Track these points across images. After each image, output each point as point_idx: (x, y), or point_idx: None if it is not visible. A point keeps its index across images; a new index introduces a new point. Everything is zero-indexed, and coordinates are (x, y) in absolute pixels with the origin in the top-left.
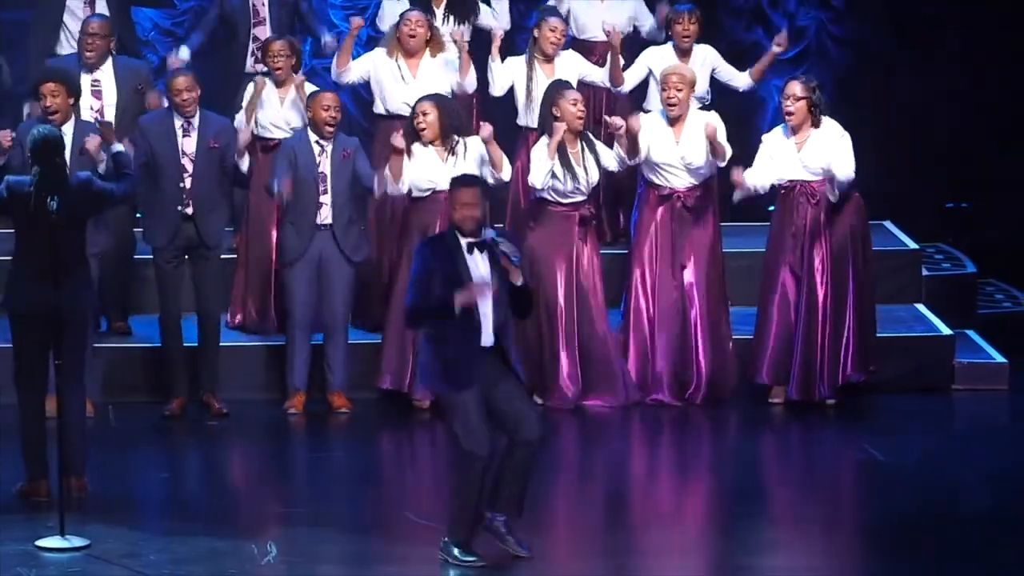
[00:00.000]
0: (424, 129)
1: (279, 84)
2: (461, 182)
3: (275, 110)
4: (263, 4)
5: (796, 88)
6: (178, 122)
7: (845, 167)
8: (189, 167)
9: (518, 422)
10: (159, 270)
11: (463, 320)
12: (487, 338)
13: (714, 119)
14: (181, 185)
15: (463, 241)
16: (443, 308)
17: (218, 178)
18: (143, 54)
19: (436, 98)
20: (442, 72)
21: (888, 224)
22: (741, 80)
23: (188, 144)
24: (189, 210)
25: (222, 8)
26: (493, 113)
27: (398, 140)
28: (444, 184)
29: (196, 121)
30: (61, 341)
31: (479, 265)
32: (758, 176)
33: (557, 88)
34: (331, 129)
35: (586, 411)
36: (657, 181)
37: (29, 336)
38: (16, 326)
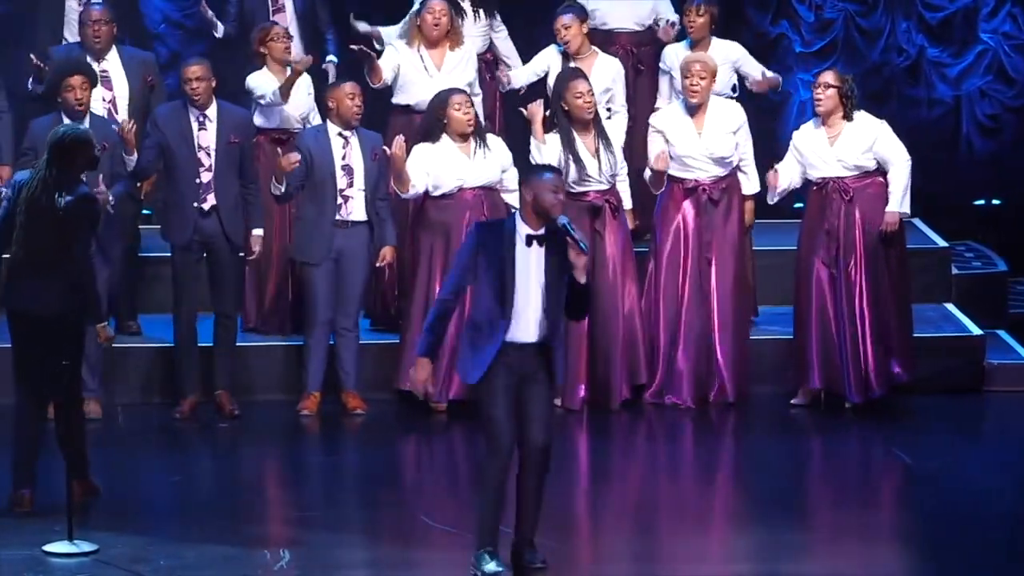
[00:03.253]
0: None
1: (276, 71)
2: (547, 168)
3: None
4: None
5: (828, 76)
6: (193, 115)
7: (899, 153)
8: (206, 161)
9: (528, 423)
10: (176, 267)
11: (500, 311)
12: (529, 334)
13: (736, 109)
14: (197, 181)
15: (524, 232)
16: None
17: (237, 173)
18: (153, 47)
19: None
20: (464, 66)
21: (917, 222)
22: (757, 78)
23: (205, 138)
24: (207, 205)
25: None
26: (515, 103)
27: (397, 147)
28: (472, 181)
29: (213, 113)
30: (58, 343)
31: (531, 260)
32: (789, 173)
33: (564, 79)
34: (358, 118)
35: (605, 413)
36: (681, 174)
37: (26, 336)
38: (12, 325)
